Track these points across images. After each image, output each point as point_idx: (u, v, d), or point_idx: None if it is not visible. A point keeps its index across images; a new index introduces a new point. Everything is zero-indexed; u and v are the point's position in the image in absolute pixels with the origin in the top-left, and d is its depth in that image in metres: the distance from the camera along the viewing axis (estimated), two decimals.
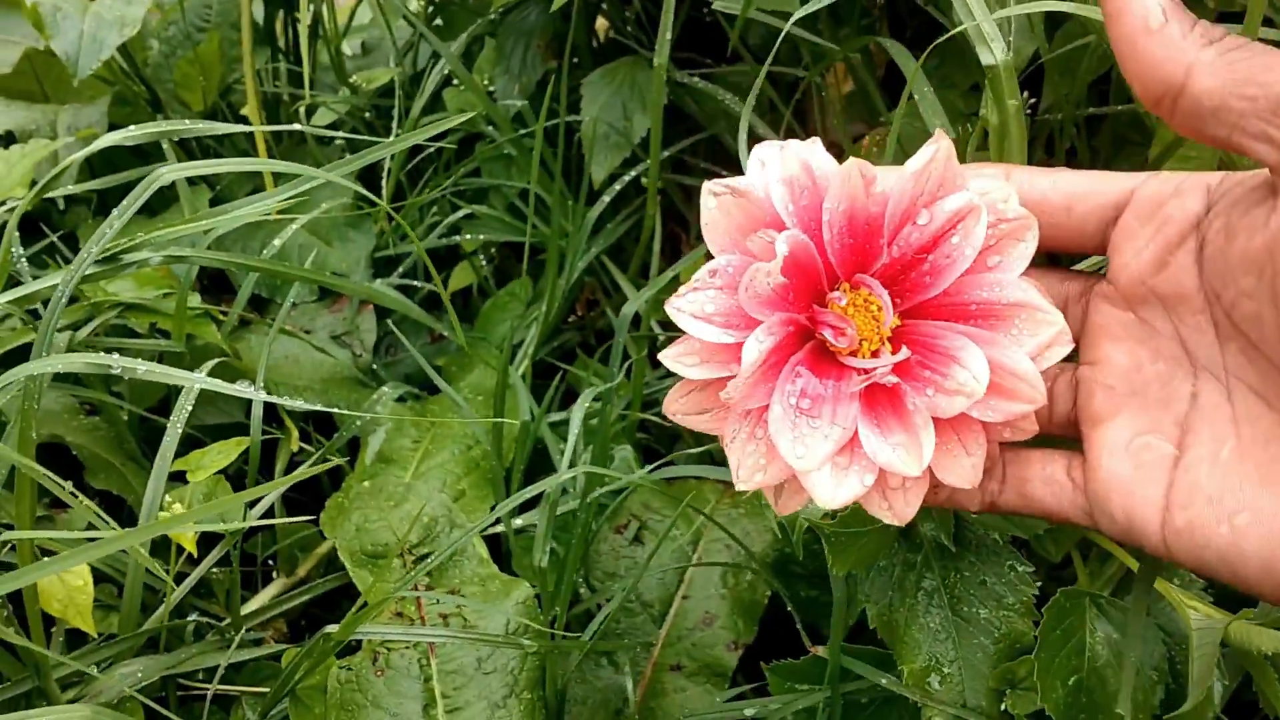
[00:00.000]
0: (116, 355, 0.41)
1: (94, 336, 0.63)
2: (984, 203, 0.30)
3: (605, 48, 0.94)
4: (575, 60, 0.88)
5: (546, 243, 0.83)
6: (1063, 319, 0.31)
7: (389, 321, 0.89)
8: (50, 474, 0.40)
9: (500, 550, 0.70)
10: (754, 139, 0.86)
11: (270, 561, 0.73)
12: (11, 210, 0.66)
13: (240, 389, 0.48)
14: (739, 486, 0.31)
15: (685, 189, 0.91)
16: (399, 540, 0.64)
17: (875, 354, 0.32)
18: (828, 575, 0.63)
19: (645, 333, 0.76)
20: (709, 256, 0.32)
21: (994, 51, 0.44)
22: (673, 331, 0.87)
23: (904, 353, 0.31)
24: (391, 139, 0.57)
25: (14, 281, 0.67)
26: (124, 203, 0.48)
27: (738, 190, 0.30)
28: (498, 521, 0.68)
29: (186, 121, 0.56)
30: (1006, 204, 0.31)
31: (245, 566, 0.68)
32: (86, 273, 0.51)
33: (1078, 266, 0.40)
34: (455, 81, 0.91)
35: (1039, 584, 0.53)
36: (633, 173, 0.81)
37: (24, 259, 0.68)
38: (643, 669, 0.65)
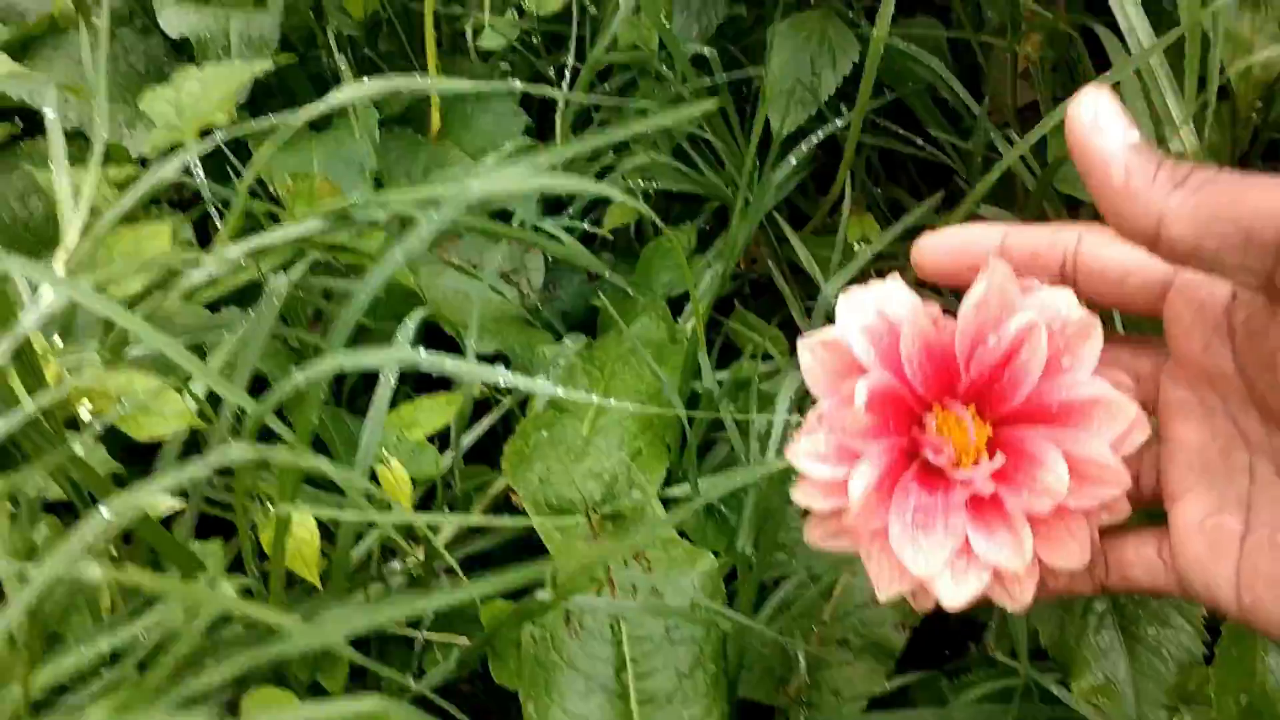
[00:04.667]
0: (448, 360, 0.41)
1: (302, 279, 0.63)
2: (1044, 318, 0.33)
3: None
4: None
5: (720, 196, 0.82)
6: (1136, 407, 0.33)
7: (549, 260, 0.89)
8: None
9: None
10: (946, 106, 0.83)
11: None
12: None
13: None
14: (881, 597, 0.35)
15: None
16: (583, 498, 0.66)
17: (976, 463, 0.35)
18: None
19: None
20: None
21: None
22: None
23: (999, 459, 0.35)
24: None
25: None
26: (293, 119, 0.48)
27: (827, 343, 0.35)
28: (673, 484, 0.69)
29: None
30: (1069, 310, 0.34)
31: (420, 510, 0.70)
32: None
33: None
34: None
35: None
36: (821, 133, 0.79)
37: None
38: (810, 642, 0.66)
